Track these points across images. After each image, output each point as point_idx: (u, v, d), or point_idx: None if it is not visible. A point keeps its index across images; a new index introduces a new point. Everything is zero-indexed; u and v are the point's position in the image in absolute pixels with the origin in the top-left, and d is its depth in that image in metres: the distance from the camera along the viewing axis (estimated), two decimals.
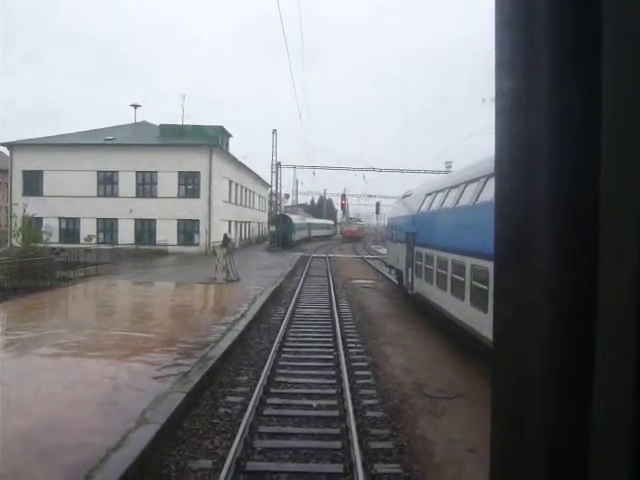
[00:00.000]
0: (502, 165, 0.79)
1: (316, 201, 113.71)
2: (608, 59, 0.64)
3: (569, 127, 0.69)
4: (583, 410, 0.65)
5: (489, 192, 9.20)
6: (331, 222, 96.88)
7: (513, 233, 0.76)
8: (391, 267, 23.64)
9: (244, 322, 12.79)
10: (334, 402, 8.09)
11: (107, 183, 40.64)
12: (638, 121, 0.59)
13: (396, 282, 21.99)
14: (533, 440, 0.71)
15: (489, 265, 8.62)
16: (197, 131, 41.74)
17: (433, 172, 48.25)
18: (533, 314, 0.72)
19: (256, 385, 8.45)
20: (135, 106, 47.41)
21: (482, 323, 9.10)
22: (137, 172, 40.10)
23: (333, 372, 9.69)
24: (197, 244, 39.55)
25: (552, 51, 0.70)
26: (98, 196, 40.28)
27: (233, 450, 6.00)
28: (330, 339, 12.38)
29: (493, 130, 0.80)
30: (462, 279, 10.87)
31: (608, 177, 0.64)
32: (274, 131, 52.09)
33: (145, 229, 40.20)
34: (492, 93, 0.79)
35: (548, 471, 0.69)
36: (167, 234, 39.17)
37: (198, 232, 40.00)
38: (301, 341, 12.15)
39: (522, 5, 0.74)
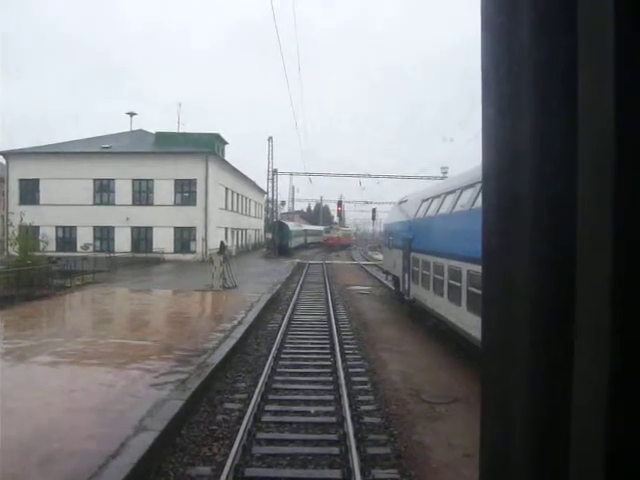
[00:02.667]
0: (488, 171, 0.82)
1: (312, 208, 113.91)
2: (586, 64, 0.68)
3: (552, 133, 0.72)
4: (565, 401, 0.69)
5: None
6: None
7: (498, 238, 0.80)
8: (387, 273, 23.63)
9: (241, 329, 12.81)
10: (332, 408, 8.10)
11: (103, 191, 40.69)
12: (615, 125, 0.63)
13: (392, 288, 22.00)
14: (519, 428, 0.75)
15: None
16: (193, 139, 41.81)
17: (429, 178, 48.33)
18: (517, 316, 0.76)
19: (254, 392, 8.46)
20: (131, 114, 47.46)
21: (479, 328, 9.13)
22: (133, 180, 40.14)
23: (331, 378, 9.71)
24: (194, 251, 39.55)
25: (536, 57, 0.72)
26: (94, 204, 40.30)
27: (232, 456, 6.02)
28: (327, 345, 12.40)
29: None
30: (459, 284, 10.91)
31: (588, 183, 0.68)
32: (270, 138, 52.26)
33: (142, 237, 40.21)
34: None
35: (534, 455, 0.74)
36: (164, 242, 39.18)
37: (195, 240, 40.00)
38: (299, 348, 12.16)
39: (506, 11, 0.75)
